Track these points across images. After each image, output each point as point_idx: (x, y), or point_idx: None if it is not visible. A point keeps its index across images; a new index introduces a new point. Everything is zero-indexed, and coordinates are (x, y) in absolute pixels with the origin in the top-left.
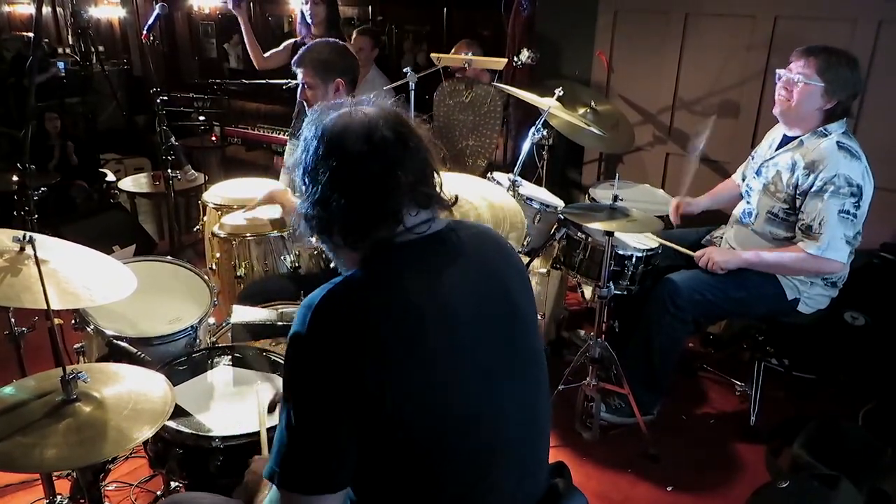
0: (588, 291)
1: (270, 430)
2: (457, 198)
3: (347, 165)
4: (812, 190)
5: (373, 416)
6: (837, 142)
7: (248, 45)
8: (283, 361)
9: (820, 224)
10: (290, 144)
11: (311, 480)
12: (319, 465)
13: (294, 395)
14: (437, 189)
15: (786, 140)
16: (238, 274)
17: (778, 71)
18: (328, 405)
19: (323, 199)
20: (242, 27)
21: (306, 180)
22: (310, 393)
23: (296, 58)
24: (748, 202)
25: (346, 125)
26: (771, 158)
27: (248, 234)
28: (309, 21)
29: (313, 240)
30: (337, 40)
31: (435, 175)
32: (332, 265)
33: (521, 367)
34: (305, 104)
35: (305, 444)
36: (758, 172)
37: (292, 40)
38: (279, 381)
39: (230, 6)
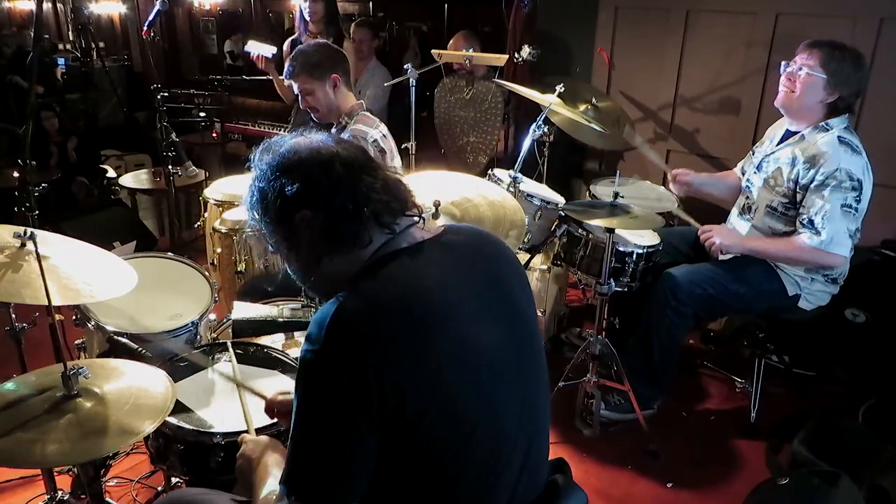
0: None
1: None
2: (439, 203)
3: (316, 181)
4: (813, 184)
5: (393, 425)
6: (839, 136)
7: (278, 89)
8: (283, 358)
9: (822, 218)
10: None
11: (329, 492)
12: (338, 476)
13: (313, 410)
14: (410, 195)
15: (787, 135)
16: (238, 269)
17: (782, 63)
18: (348, 419)
19: (316, 223)
20: (273, 78)
21: (286, 215)
22: (331, 408)
23: (286, 71)
24: (748, 196)
25: (298, 151)
26: (772, 153)
27: (248, 230)
28: (307, 18)
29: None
30: (318, 40)
31: (401, 183)
32: None
33: (523, 365)
34: (311, 112)
35: (324, 458)
36: (758, 167)
37: (288, 41)
38: (271, 376)
39: (260, 66)
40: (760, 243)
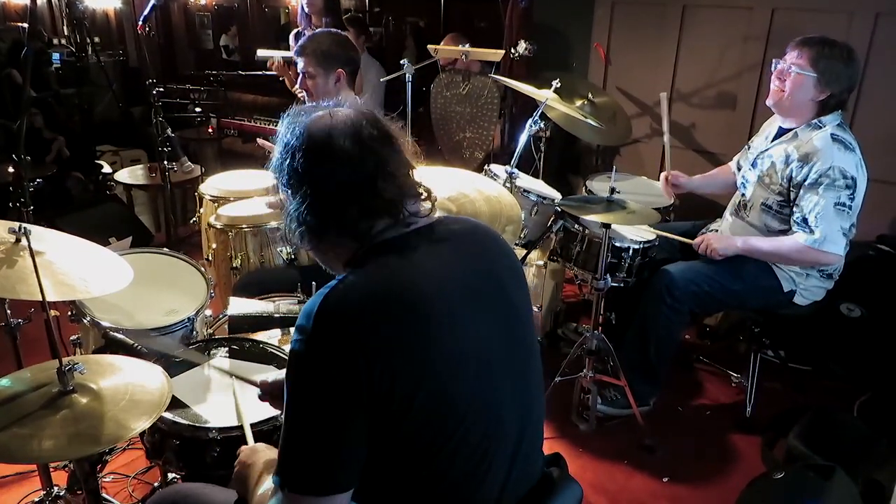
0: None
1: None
2: (435, 199)
3: (340, 164)
4: (807, 182)
5: (382, 412)
6: (832, 134)
7: (290, 89)
8: (279, 354)
9: (816, 217)
10: None
11: (323, 481)
12: (330, 466)
13: (303, 399)
14: (419, 183)
15: (781, 132)
16: (233, 265)
17: (774, 60)
18: (339, 407)
19: (318, 201)
20: (286, 80)
21: (295, 185)
22: (320, 396)
23: (297, 47)
24: (743, 194)
25: (330, 126)
26: (766, 150)
27: (244, 225)
28: (306, 10)
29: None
30: (339, 31)
31: (414, 170)
32: None
33: (515, 357)
34: (305, 93)
35: (316, 447)
36: (753, 164)
37: (293, 34)
38: (271, 372)
39: (275, 70)
40: (755, 242)
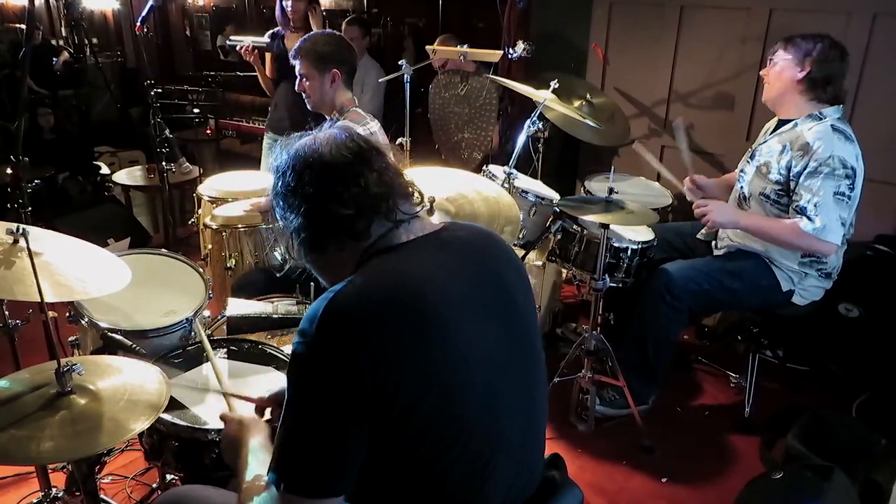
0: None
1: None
2: (433, 199)
3: (326, 168)
4: (807, 171)
5: (385, 417)
6: (832, 125)
7: (262, 83)
8: (278, 355)
9: (815, 206)
10: (268, 137)
11: (320, 483)
12: (329, 469)
13: (305, 402)
14: (411, 183)
15: (781, 124)
16: (227, 265)
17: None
18: (341, 411)
19: (313, 212)
20: (258, 71)
21: (290, 202)
22: (322, 399)
23: (293, 50)
24: (742, 186)
25: (313, 143)
26: (765, 142)
27: (239, 226)
28: (289, 15)
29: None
30: (334, 31)
31: (402, 174)
32: None
33: (520, 362)
34: (304, 95)
35: (316, 449)
36: (752, 157)
37: (269, 33)
38: (265, 373)
39: (248, 58)
40: (756, 221)
